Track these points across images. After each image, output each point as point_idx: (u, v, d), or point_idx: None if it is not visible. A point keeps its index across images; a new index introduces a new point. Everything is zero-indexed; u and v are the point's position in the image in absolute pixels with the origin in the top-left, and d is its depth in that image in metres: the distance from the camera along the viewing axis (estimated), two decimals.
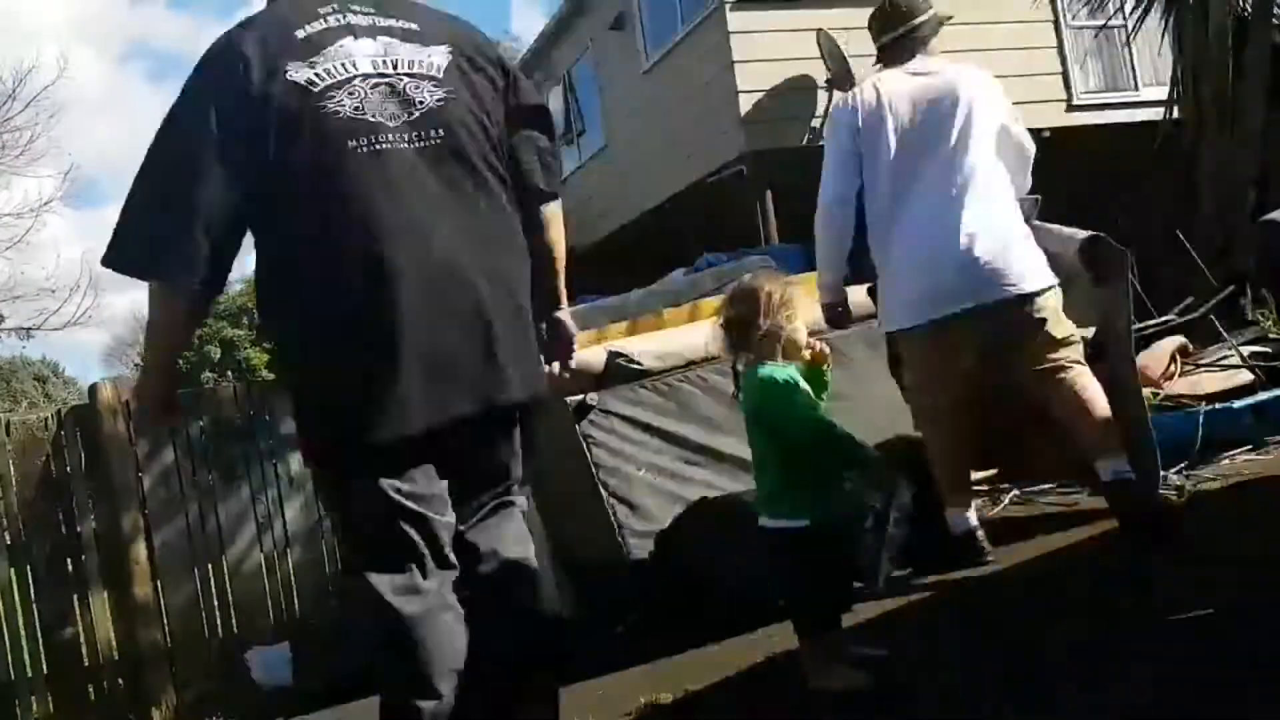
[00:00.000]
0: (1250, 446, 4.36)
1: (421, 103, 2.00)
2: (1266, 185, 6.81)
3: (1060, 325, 3.39)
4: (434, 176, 1.99)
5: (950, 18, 3.81)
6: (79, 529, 4.64)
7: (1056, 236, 3.76)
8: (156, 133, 1.96)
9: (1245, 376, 4.75)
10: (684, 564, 3.71)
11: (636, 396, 4.16)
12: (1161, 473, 4.17)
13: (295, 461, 4.80)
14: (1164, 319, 5.38)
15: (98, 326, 36.57)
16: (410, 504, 1.96)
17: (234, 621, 4.81)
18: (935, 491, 3.54)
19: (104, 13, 55.12)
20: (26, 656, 4.55)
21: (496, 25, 65.19)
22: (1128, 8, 8.48)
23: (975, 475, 4.69)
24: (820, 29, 9.15)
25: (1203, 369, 4.94)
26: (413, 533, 1.96)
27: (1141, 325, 5.30)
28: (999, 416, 3.63)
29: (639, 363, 4.19)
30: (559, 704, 2.18)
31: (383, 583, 1.94)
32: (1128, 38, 9.22)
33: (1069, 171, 9.66)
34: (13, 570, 4.54)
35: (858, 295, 5.14)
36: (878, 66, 3.85)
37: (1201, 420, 4.35)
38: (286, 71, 1.92)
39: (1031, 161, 3.76)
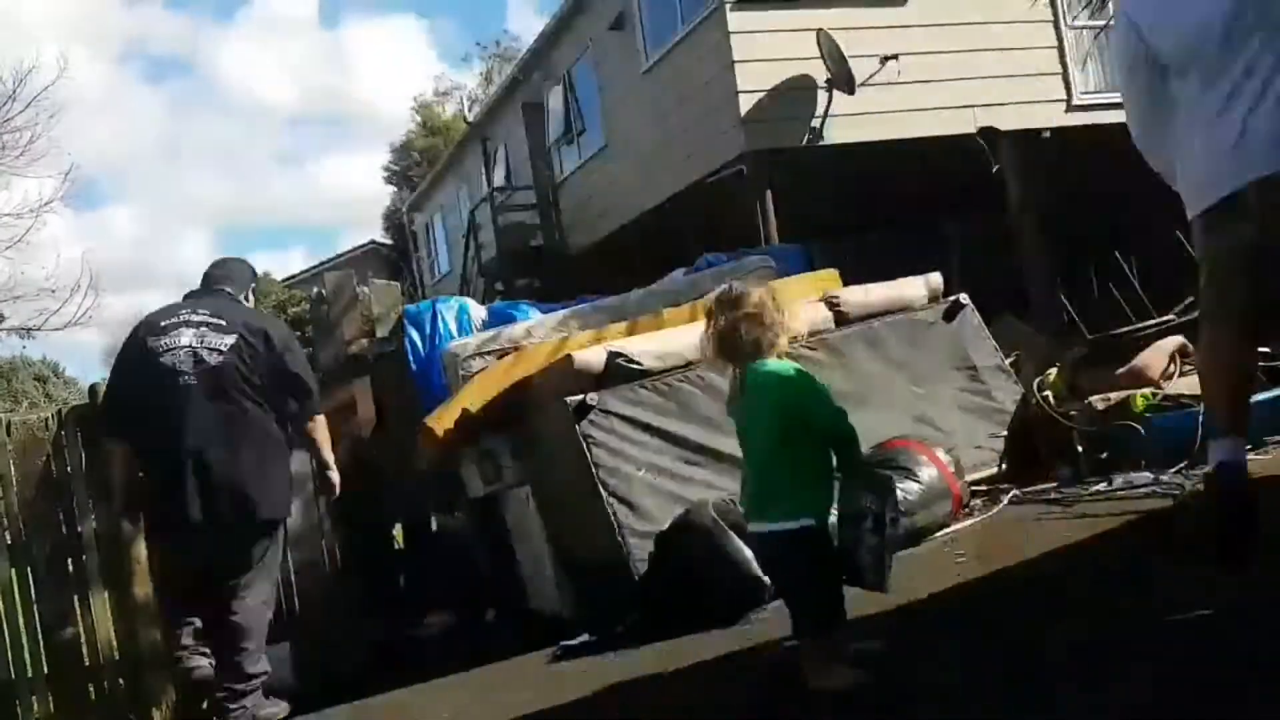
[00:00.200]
0: (1250, 446, 4.36)
1: (207, 362, 3.73)
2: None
3: None
4: (209, 401, 3.70)
5: None
6: (79, 529, 4.64)
7: None
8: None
9: None
10: (683, 565, 3.72)
11: (636, 396, 4.16)
12: (1161, 473, 4.20)
13: (295, 462, 4.80)
14: (1164, 319, 5.38)
15: (98, 327, 36.48)
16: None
17: None
18: None
19: (100, 13, 55.07)
20: (27, 656, 4.55)
21: (493, 25, 65.49)
22: None
23: (976, 475, 4.71)
24: (820, 29, 9.15)
25: None
26: None
27: (1141, 325, 5.30)
28: None
29: (639, 363, 4.19)
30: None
31: None
32: None
33: (1069, 171, 9.69)
34: (13, 570, 4.54)
35: (856, 295, 5.16)
36: None
37: (1201, 420, 4.35)
38: (146, 341, 3.79)
39: None
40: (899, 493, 4.01)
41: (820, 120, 9.37)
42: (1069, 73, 10.31)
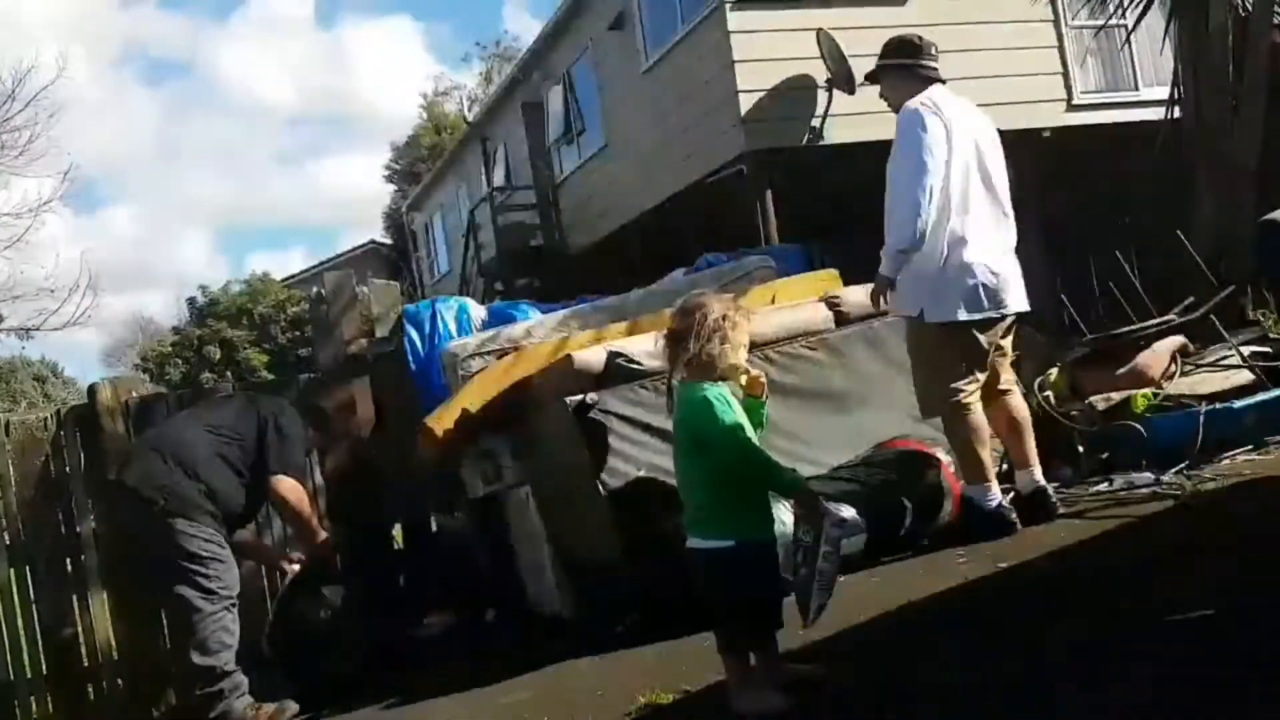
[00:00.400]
0: (1250, 446, 4.36)
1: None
2: (1266, 185, 6.80)
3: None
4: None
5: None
6: (79, 529, 4.64)
7: None
8: None
9: (1245, 376, 4.75)
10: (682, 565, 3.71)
11: (636, 396, 4.16)
12: (1162, 474, 4.20)
13: None
14: (1164, 319, 5.37)
15: (97, 327, 36.54)
16: None
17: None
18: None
19: (95, 14, 54.95)
20: (26, 657, 4.55)
21: (488, 26, 65.47)
22: (1128, 8, 8.47)
23: None
24: (820, 29, 9.15)
25: (1203, 369, 4.94)
26: None
27: (1141, 325, 5.30)
28: None
29: (639, 363, 4.18)
30: None
31: None
32: (1128, 38, 9.21)
33: (1069, 171, 9.69)
34: (12, 570, 4.54)
35: (856, 295, 5.15)
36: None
37: (1201, 420, 4.35)
38: None
39: None
40: (906, 504, 4.03)
41: (820, 120, 9.36)
42: (1069, 73, 10.31)
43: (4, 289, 11.67)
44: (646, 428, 4.12)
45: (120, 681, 4.63)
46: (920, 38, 4.26)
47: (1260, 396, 4.56)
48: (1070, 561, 3.41)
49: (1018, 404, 4.12)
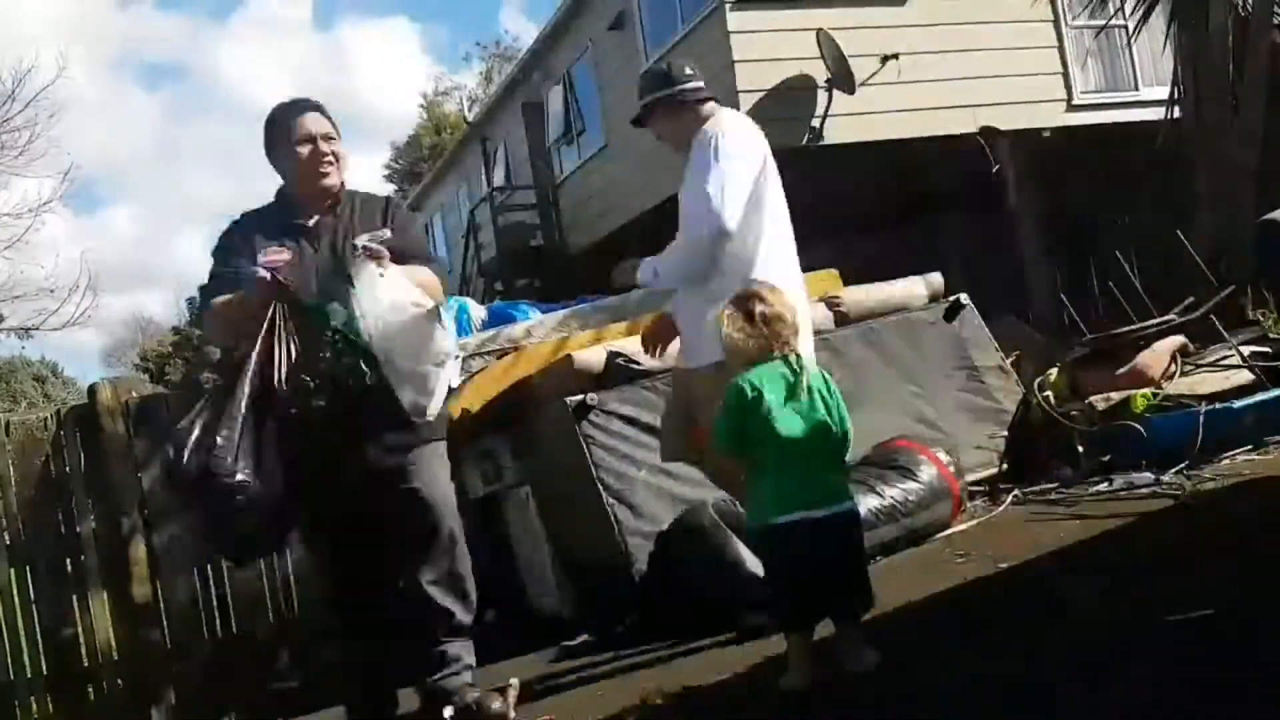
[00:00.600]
0: (1250, 446, 4.36)
1: None
2: (1266, 185, 6.81)
3: None
4: None
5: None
6: (79, 529, 4.64)
7: None
8: None
9: (1245, 376, 4.75)
10: (682, 565, 3.71)
11: (636, 396, 4.16)
12: (1162, 474, 4.20)
13: None
14: (1164, 319, 5.37)
15: (97, 327, 36.63)
16: None
17: (233, 621, 4.81)
18: None
19: (93, 14, 54.91)
20: (26, 657, 4.55)
21: (485, 28, 65.45)
22: (1128, 8, 8.48)
23: (976, 476, 4.71)
24: (820, 29, 9.14)
25: (1203, 369, 4.94)
26: None
27: (1141, 325, 5.30)
28: None
29: (639, 363, 4.18)
30: None
31: None
32: (1128, 38, 9.21)
33: (1069, 171, 9.69)
34: (12, 570, 4.53)
35: (856, 294, 5.16)
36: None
37: (1201, 420, 4.35)
38: None
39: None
40: (899, 492, 4.04)
41: (820, 120, 9.36)
42: (1069, 73, 10.30)
43: (4, 289, 11.68)
44: (647, 428, 4.12)
45: (121, 681, 4.62)
46: (669, 64, 3.70)
47: (1260, 396, 4.56)
48: (1070, 561, 3.41)
49: None
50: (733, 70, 9.31)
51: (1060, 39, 10.29)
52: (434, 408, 2.92)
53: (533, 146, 14.36)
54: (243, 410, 2.74)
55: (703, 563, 3.61)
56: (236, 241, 3.10)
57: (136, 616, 4.61)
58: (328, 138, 3.22)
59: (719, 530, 3.63)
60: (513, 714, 3.03)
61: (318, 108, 3.25)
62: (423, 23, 61.64)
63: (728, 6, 9.36)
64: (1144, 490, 4.11)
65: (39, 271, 11.77)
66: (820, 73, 9.31)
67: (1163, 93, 8.25)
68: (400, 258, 2.98)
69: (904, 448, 4.28)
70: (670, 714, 2.82)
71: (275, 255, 2.95)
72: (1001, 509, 4.43)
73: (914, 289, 5.29)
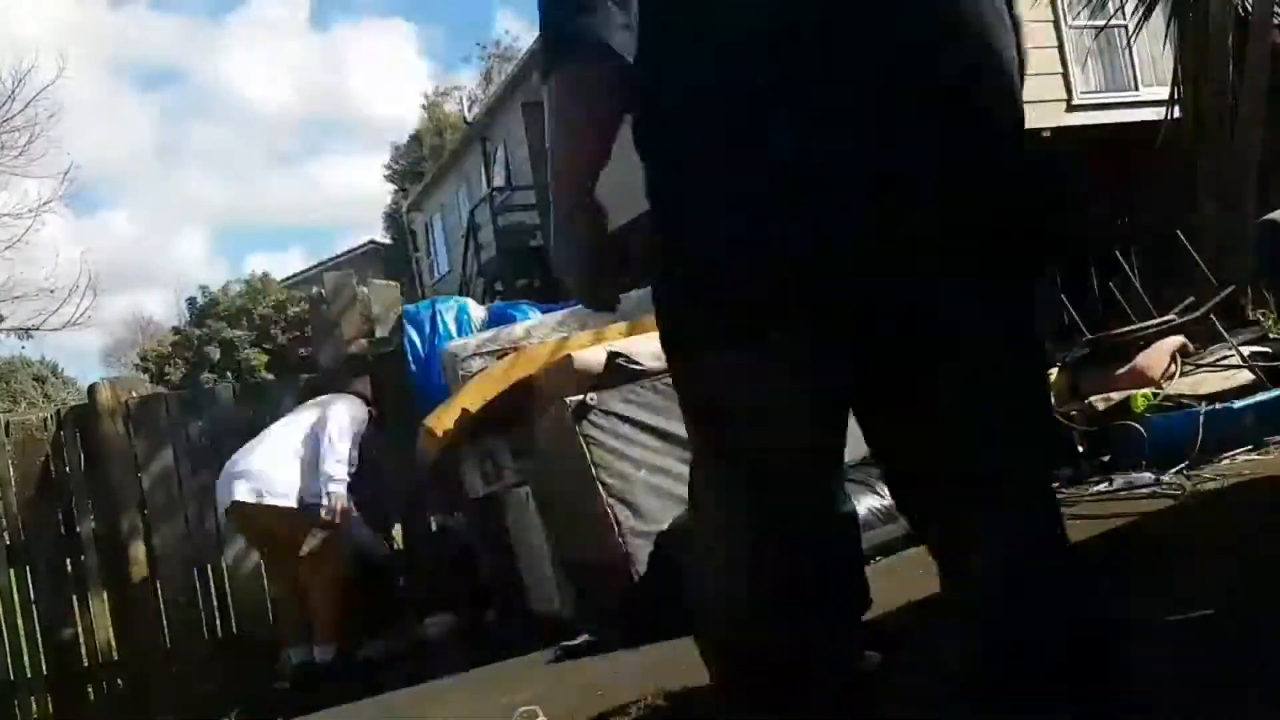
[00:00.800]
0: (1250, 446, 4.36)
1: None
2: (1266, 185, 6.80)
3: None
4: None
5: None
6: (78, 529, 4.64)
7: None
8: None
9: (1245, 376, 4.75)
10: (682, 565, 3.71)
11: (637, 396, 4.16)
12: (1162, 474, 4.19)
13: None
14: (1164, 319, 5.37)
15: (97, 327, 36.52)
16: None
17: (233, 621, 4.81)
18: None
19: (91, 15, 54.95)
20: (26, 657, 4.55)
21: (483, 29, 65.55)
22: (1128, 8, 8.47)
23: None
24: None
25: (1203, 369, 4.93)
26: None
27: (1141, 325, 5.30)
28: None
29: (639, 363, 4.18)
30: None
31: None
32: (1128, 38, 9.22)
33: (1069, 171, 9.68)
34: (12, 571, 4.54)
35: None
36: None
37: (1202, 420, 4.34)
38: None
39: None
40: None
41: None
42: (1069, 73, 10.31)
43: (4, 289, 11.69)
44: (646, 428, 4.12)
45: (121, 681, 4.62)
46: None
47: (1260, 396, 4.55)
48: None
49: None
50: None
51: (1060, 39, 10.30)
52: None
53: (533, 146, 14.36)
54: None
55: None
56: None
57: (136, 617, 4.62)
58: None
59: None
60: None
61: None
62: (420, 24, 61.83)
63: None
64: (1144, 490, 4.10)
65: (39, 272, 11.84)
66: None
67: (1163, 93, 8.24)
68: None
69: None
70: (670, 714, 2.81)
71: None
72: None
73: None
